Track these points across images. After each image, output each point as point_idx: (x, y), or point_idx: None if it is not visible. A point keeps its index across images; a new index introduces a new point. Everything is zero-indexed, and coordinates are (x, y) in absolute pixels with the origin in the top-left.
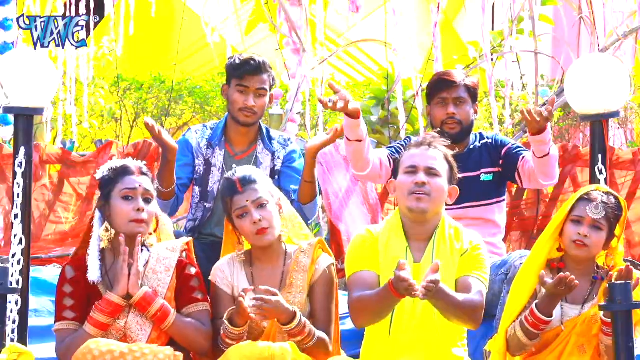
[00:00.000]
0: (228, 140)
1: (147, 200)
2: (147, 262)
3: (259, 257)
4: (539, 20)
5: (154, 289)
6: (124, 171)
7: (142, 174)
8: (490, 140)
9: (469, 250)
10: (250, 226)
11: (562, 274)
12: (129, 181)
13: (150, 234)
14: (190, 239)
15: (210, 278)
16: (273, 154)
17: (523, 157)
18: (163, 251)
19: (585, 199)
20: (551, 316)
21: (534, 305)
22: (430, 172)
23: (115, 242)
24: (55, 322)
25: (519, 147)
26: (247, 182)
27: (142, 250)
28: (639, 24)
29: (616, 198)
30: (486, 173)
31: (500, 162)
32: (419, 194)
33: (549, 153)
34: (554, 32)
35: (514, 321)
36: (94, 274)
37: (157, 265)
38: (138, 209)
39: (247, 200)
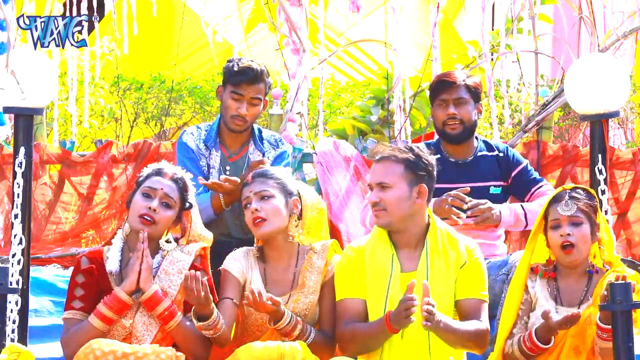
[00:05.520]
0: (222, 142)
1: (167, 205)
2: (159, 264)
3: (270, 254)
4: (539, 19)
5: (165, 290)
6: (157, 172)
7: (174, 180)
8: (502, 154)
9: (468, 263)
10: (249, 215)
11: (572, 314)
12: (154, 181)
13: (178, 240)
14: (208, 245)
15: (222, 266)
16: (263, 154)
17: (532, 192)
18: (178, 254)
19: (554, 201)
20: (549, 344)
21: (533, 331)
22: (382, 186)
23: (130, 239)
24: (65, 310)
25: (531, 173)
26: (259, 175)
27: (158, 252)
28: (639, 24)
29: (584, 189)
30: (495, 186)
31: (510, 180)
32: (375, 211)
33: (527, 224)
34: (554, 32)
35: (510, 334)
36: (113, 264)
37: (170, 267)
38: (149, 207)
39: (251, 191)
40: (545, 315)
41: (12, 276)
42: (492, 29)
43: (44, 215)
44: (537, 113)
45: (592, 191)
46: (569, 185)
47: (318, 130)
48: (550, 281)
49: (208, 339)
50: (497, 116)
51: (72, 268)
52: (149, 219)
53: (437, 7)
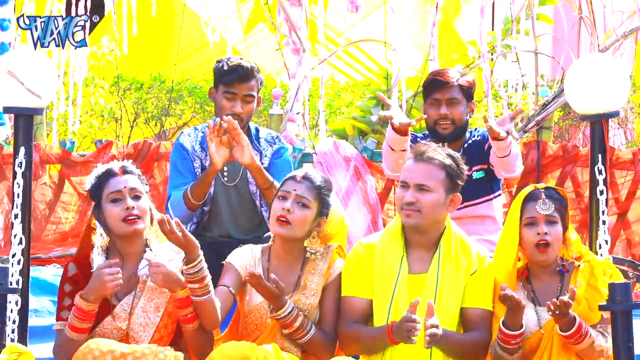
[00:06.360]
0: None
1: (137, 197)
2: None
3: (278, 254)
4: (538, 20)
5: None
6: (107, 175)
7: (126, 172)
8: (478, 138)
9: (478, 272)
10: (277, 209)
11: (502, 292)
12: (113, 184)
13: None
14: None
15: (227, 260)
16: (261, 152)
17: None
18: (168, 252)
19: (529, 199)
20: (520, 328)
21: (500, 323)
22: (421, 188)
23: (112, 245)
24: (56, 320)
25: None
26: (308, 178)
27: (145, 251)
28: (638, 24)
29: (556, 190)
30: (477, 170)
31: (488, 157)
32: (408, 210)
33: (509, 154)
34: (554, 32)
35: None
36: None
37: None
38: (127, 208)
39: (295, 190)
40: (500, 296)
41: (12, 276)
42: (492, 29)
43: (44, 215)
44: (537, 113)
45: (563, 190)
46: (540, 184)
47: (318, 130)
48: (525, 283)
49: (212, 335)
50: (496, 116)
51: None
52: (133, 217)
53: (436, 7)
